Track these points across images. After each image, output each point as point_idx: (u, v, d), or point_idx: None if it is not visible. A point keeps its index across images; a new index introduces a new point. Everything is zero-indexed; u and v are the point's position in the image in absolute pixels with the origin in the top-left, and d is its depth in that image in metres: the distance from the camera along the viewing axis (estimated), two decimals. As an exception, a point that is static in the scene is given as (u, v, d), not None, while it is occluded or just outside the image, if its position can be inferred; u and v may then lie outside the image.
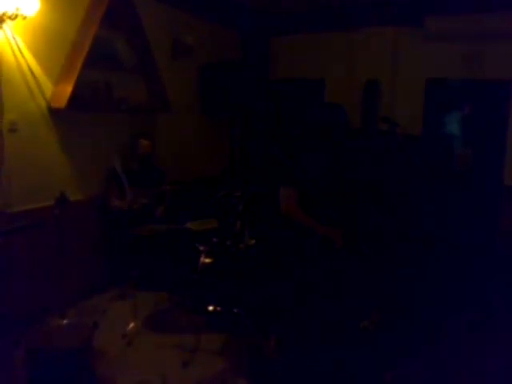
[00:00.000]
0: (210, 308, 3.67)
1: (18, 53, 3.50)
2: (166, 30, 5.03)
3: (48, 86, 3.77)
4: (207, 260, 3.79)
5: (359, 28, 5.93)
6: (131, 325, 3.58)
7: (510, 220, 5.51)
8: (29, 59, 3.59)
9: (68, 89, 3.74)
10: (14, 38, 3.45)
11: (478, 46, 5.43)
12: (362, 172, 5.50)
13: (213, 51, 5.83)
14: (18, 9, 3.27)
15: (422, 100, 5.90)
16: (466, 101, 5.84)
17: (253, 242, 3.84)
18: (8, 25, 3.39)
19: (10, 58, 3.46)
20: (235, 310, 3.65)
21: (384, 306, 3.79)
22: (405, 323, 3.83)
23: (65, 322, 3.14)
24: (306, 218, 3.00)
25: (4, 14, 3.26)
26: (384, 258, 4.22)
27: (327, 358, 3.15)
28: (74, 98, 3.75)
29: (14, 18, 3.30)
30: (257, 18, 6.41)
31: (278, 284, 3.05)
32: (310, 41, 6.33)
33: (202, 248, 3.83)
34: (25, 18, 3.35)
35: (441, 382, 3.13)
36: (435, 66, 5.70)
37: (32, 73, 3.62)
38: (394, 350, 3.42)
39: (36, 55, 3.64)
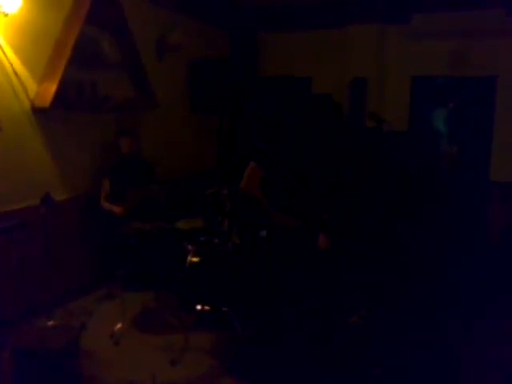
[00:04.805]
0: (198, 307, 3.66)
1: None
2: (151, 27, 5.00)
3: (32, 85, 3.72)
4: (195, 259, 3.78)
5: (346, 26, 5.95)
6: (119, 325, 3.56)
7: (496, 214, 5.58)
8: (11, 57, 3.53)
9: (52, 88, 3.70)
10: (-5, 36, 3.41)
11: (464, 44, 5.49)
12: (349, 168, 5.53)
13: (201, 49, 5.82)
14: (-1, 6, 3.23)
15: (409, 97, 5.94)
16: (452, 98, 5.89)
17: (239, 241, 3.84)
18: (-11, 22, 3.34)
19: (-9, 56, 3.41)
20: (223, 309, 3.64)
21: (372, 302, 3.82)
22: (393, 318, 3.86)
23: (52, 322, 3.12)
24: (265, 204, 2.97)
25: (-15, 12, 3.22)
26: (371, 254, 4.25)
27: (315, 354, 3.16)
28: (58, 97, 3.70)
29: (-5, 15, 3.26)
30: (244, 16, 6.40)
31: (266, 282, 3.05)
32: (297, 39, 6.34)
33: (189, 247, 3.81)
34: (6, 15, 3.31)
35: (428, 375, 3.16)
36: (421, 64, 5.75)
37: (15, 71, 3.56)
38: (382, 345, 3.44)
39: (19, 53, 3.58)
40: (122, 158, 4.42)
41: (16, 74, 3.57)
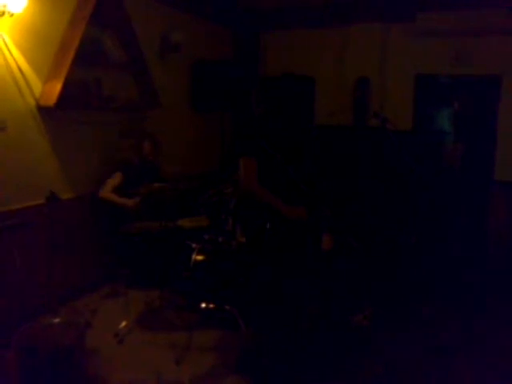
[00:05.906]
0: (203, 305, 3.67)
1: (5, 50, 3.45)
2: (155, 27, 5.01)
3: (37, 84, 3.74)
4: (199, 257, 3.79)
5: (349, 25, 5.94)
6: (123, 323, 3.57)
7: (499, 213, 5.57)
8: (17, 57, 3.55)
9: (57, 87, 3.71)
10: (1, 36, 3.41)
11: (468, 42, 5.47)
12: (353, 168, 5.53)
13: (204, 48, 5.83)
14: (4, 5, 3.24)
15: (412, 96, 5.93)
16: (456, 96, 5.88)
17: (245, 238, 3.84)
18: (-5, 22, 3.35)
19: (-3, 55, 3.42)
20: (227, 307, 3.65)
21: (376, 301, 3.82)
22: (396, 317, 3.86)
23: (56, 320, 3.12)
24: (269, 195, 2.88)
25: (-10, 11, 3.23)
26: (374, 252, 4.26)
27: (318, 352, 3.17)
28: (63, 96, 3.71)
29: (0, 15, 3.26)
30: (247, 15, 6.40)
31: (269, 281, 3.05)
32: (300, 38, 6.33)
33: (193, 245, 3.82)
34: (12, 15, 3.32)
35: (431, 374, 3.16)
36: (425, 62, 5.73)
37: (20, 71, 3.58)
38: (385, 344, 3.45)
39: (24, 53, 3.60)
40: (141, 160, 4.41)
41: (21, 73, 3.59)
